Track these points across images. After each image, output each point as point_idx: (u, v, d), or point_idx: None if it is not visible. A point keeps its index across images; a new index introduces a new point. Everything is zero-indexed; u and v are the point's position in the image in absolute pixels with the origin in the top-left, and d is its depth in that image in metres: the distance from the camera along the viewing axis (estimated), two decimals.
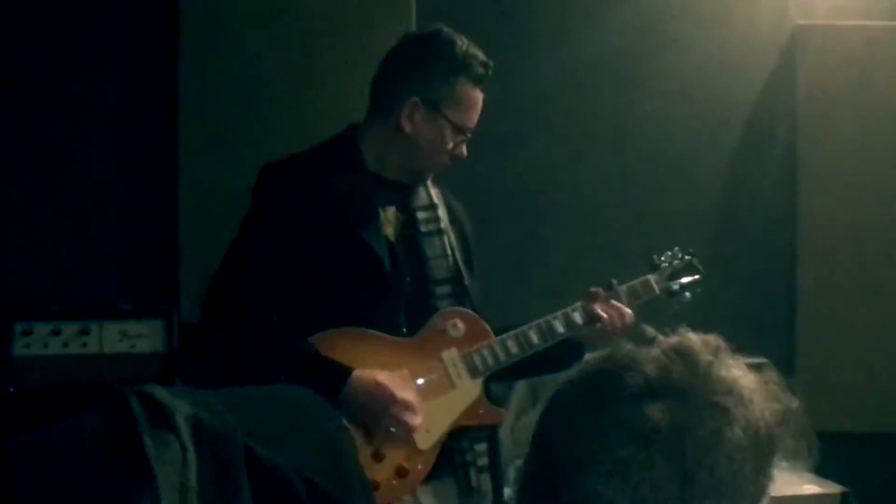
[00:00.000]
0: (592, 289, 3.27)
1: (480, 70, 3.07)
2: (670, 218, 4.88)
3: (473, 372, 3.10)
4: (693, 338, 1.32)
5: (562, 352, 3.23)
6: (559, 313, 3.20)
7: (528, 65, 4.79)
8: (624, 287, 3.32)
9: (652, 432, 1.21)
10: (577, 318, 3.22)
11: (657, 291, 3.39)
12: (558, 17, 4.83)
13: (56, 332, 4.06)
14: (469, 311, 3.15)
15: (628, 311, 3.26)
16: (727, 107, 4.94)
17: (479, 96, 3.10)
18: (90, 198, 4.46)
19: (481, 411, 3.13)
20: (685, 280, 3.47)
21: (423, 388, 3.01)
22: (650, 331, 1.30)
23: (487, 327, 3.15)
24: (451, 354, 3.09)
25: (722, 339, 1.33)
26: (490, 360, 3.11)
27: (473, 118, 3.11)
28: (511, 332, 3.15)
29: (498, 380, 3.27)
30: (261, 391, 1.58)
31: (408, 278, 3.10)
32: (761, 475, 1.26)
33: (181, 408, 1.29)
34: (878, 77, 4.76)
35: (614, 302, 3.25)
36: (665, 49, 4.89)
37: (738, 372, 1.29)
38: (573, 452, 1.24)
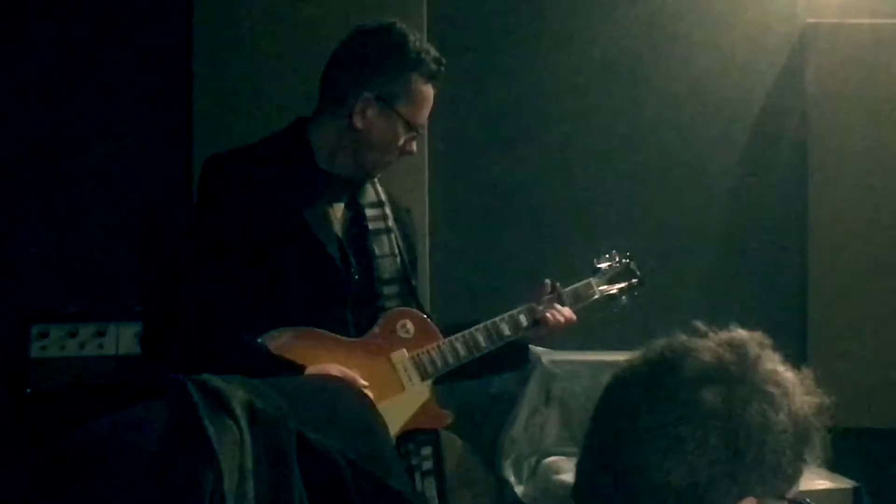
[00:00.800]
0: (538, 290, 3.28)
1: (434, 66, 3.03)
2: (682, 216, 4.94)
3: (423, 374, 3.07)
4: (743, 333, 1.50)
5: (506, 353, 3.24)
6: (505, 315, 3.19)
7: (538, 65, 4.86)
8: (568, 290, 3.32)
9: (708, 413, 1.39)
10: (523, 320, 3.21)
11: (596, 295, 3.40)
12: (567, 18, 4.90)
13: (73, 334, 4.12)
14: (418, 311, 3.13)
15: (570, 313, 3.27)
16: (737, 105, 5.00)
17: (431, 93, 3.07)
18: (106, 201, 4.53)
19: (430, 414, 3.10)
20: (622, 284, 3.49)
21: (372, 391, 2.89)
22: (702, 326, 1.44)
23: (436, 328, 3.13)
24: (400, 356, 3.06)
25: (767, 337, 1.51)
26: (440, 363, 3.09)
27: (425, 115, 3.08)
28: (459, 335, 3.12)
29: (441, 381, 3.19)
30: (307, 381, 1.67)
31: (356, 276, 3.05)
32: (798, 459, 1.44)
33: (237, 394, 1.38)
34: (887, 74, 4.80)
35: (557, 305, 3.25)
36: (674, 48, 4.95)
37: (781, 367, 1.47)
38: (634, 427, 1.41)
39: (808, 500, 1.47)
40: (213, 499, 1.31)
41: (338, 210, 3.08)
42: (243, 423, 1.37)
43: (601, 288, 3.42)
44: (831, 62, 4.86)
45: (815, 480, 3.90)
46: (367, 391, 2.81)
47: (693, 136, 4.97)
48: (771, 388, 1.44)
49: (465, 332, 3.13)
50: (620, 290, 3.48)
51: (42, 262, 4.44)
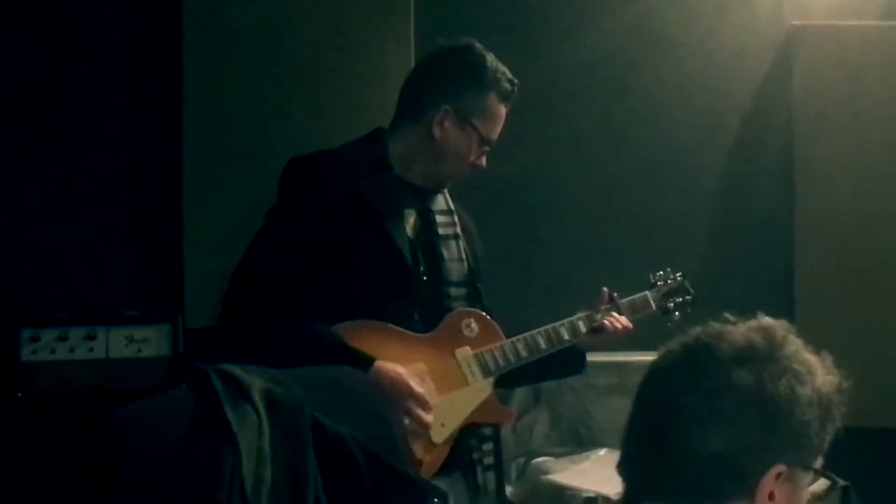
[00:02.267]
0: (597, 299, 3.51)
1: (508, 87, 3.30)
2: (668, 218, 5.01)
3: (486, 371, 3.28)
4: (770, 319, 1.71)
5: (566, 359, 3.49)
6: (566, 321, 3.42)
7: (525, 68, 4.89)
8: (625, 301, 3.56)
9: (742, 388, 1.59)
10: (582, 326, 3.45)
11: (654, 308, 3.65)
12: (555, 20, 4.97)
13: (63, 338, 4.17)
14: (483, 313, 3.33)
15: (627, 322, 3.51)
16: (723, 107, 5.08)
17: (504, 111, 3.33)
18: (95, 205, 4.58)
19: (492, 410, 3.33)
20: (678, 300, 3.72)
21: (438, 384, 3.17)
22: (731, 316, 1.63)
23: (499, 329, 3.34)
24: (464, 353, 3.27)
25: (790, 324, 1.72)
26: (501, 361, 3.30)
27: (497, 131, 3.33)
28: (520, 336, 3.35)
29: (503, 385, 3.45)
30: (322, 371, 1.76)
31: (425, 277, 3.27)
32: (823, 431, 1.64)
33: (256, 382, 1.48)
34: (872, 76, 4.88)
35: (615, 314, 3.49)
36: (661, 50, 5.03)
37: (804, 349, 1.68)
38: (676, 403, 1.61)
39: (830, 473, 1.67)
40: (232, 480, 1.40)
41: (410, 216, 3.30)
42: (262, 409, 1.46)
43: (659, 302, 3.67)
44: (817, 64, 4.94)
45: None
46: (429, 389, 3.10)
47: (680, 139, 5.05)
48: (797, 366, 1.63)
49: (527, 334, 3.37)
50: (675, 304, 3.71)
51: (32, 266, 4.50)
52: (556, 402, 4.61)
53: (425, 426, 3.07)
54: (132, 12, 4.63)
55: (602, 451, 4.40)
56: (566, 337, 3.41)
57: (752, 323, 1.70)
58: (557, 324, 3.41)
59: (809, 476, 1.64)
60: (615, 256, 4.82)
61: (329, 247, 3.11)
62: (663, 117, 5.03)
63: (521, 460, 4.52)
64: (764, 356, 1.62)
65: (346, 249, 3.12)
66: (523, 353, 3.33)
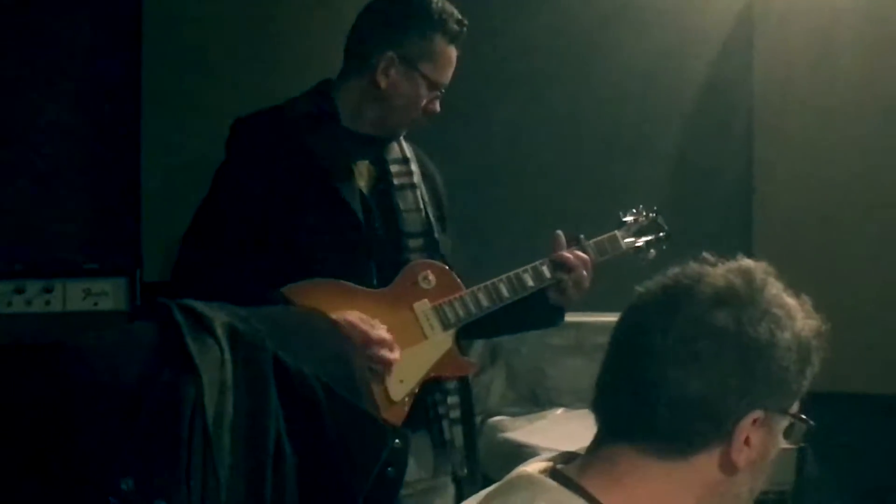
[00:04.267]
0: (555, 243, 3.33)
1: (456, 27, 3.18)
2: (628, 183, 4.99)
3: (445, 324, 3.20)
4: (750, 262, 1.68)
5: (543, 311, 3.35)
6: (528, 267, 3.30)
7: (486, 35, 4.91)
8: (591, 242, 3.41)
9: (721, 331, 1.56)
10: (546, 271, 3.31)
11: (623, 247, 3.50)
12: None
13: (19, 291, 4.16)
14: (440, 263, 3.25)
15: (588, 259, 3.32)
16: (684, 72, 5.05)
17: (453, 53, 3.21)
18: (53, 157, 4.54)
19: (453, 363, 3.23)
20: (650, 237, 3.59)
21: (396, 339, 3.06)
22: (711, 257, 1.60)
23: (458, 280, 3.25)
24: (422, 306, 3.18)
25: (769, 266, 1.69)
26: (461, 312, 3.21)
27: (448, 74, 3.22)
28: (481, 286, 3.25)
29: (471, 336, 3.40)
30: (287, 311, 1.76)
31: (380, 231, 3.20)
32: (801, 376, 1.62)
33: (218, 317, 1.48)
34: (835, 39, 4.82)
35: (578, 252, 3.33)
36: (622, 15, 4.98)
37: (784, 292, 1.66)
38: (653, 344, 1.57)
39: (807, 418, 1.62)
40: (194, 411, 1.39)
41: (363, 167, 3.21)
42: (224, 343, 1.46)
43: (627, 241, 3.51)
44: (778, 28, 4.91)
45: None
46: (386, 333, 3.00)
47: (639, 106, 5.03)
48: (776, 310, 1.60)
49: (488, 282, 3.25)
50: (647, 242, 3.57)
51: None
52: (512, 362, 4.61)
53: (389, 364, 3.01)
54: None
55: (559, 411, 4.42)
56: (530, 283, 3.27)
57: (732, 264, 1.67)
58: (520, 270, 3.27)
59: (786, 421, 1.62)
60: (575, 222, 4.81)
61: (276, 206, 3.04)
62: (624, 85, 5.01)
63: (478, 419, 4.53)
64: (744, 299, 1.60)
65: (293, 207, 3.05)
66: (485, 303, 3.22)
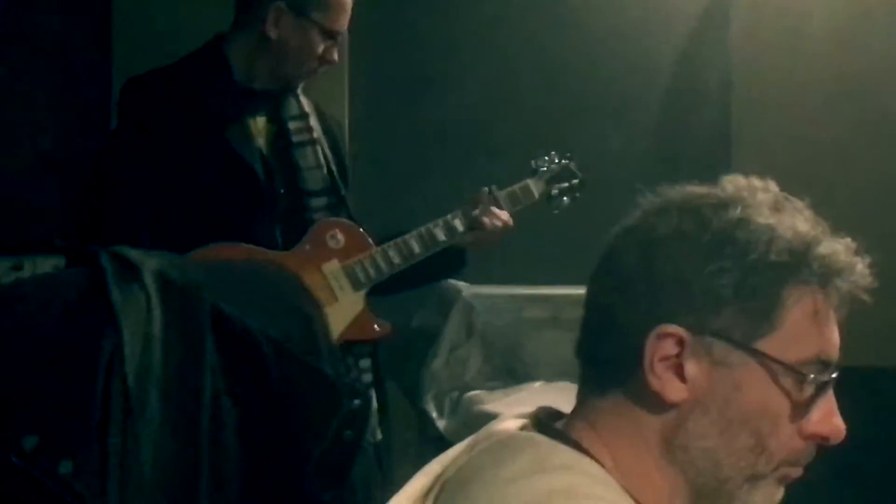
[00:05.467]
0: (474, 197, 3.28)
1: None
2: (603, 157, 4.93)
3: (356, 284, 3.08)
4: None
5: (445, 259, 3.26)
6: (440, 220, 3.20)
7: (460, 4, 4.83)
8: (503, 192, 3.32)
9: (629, 231, 1.41)
10: (458, 224, 3.22)
11: (535, 196, 3.42)
12: None
13: None
14: (348, 221, 3.13)
15: (507, 217, 3.28)
16: (660, 43, 5.02)
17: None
18: (23, 132, 4.45)
19: (366, 325, 3.11)
20: (564, 185, 3.49)
21: None
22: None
23: (368, 238, 3.14)
24: (331, 267, 3.06)
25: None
26: (372, 271, 3.10)
27: (343, 21, 3.07)
28: (391, 242, 3.14)
29: (382, 293, 3.22)
30: (230, 262, 1.64)
31: (281, 190, 3.07)
32: (766, 291, 1.34)
33: (149, 264, 1.36)
34: (811, 9, 4.79)
35: (493, 208, 3.25)
36: None
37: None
38: (630, 271, 1.37)
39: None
40: (112, 366, 1.27)
41: (260, 124, 3.08)
42: (153, 291, 1.34)
43: (540, 189, 3.41)
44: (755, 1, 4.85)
45: None
46: None
47: (615, 74, 4.99)
48: (710, 201, 1.45)
49: (399, 238, 3.14)
50: (561, 190, 3.48)
51: None
52: (489, 335, 4.51)
53: None
54: None
55: (537, 384, 4.33)
56: (442, 238, 3.19)
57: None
58: (431, 224, 3.18)
59: (739, 350, 1.31)
60: None
61: (173, 169, 2.92)
62: (599, 56, 4.96)
63: (455, 394, 4.43)
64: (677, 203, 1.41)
65: (190, 170, 2.93)
66: (396, 261, 3.12)
